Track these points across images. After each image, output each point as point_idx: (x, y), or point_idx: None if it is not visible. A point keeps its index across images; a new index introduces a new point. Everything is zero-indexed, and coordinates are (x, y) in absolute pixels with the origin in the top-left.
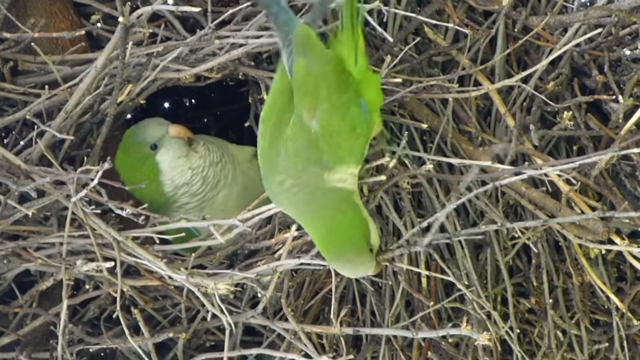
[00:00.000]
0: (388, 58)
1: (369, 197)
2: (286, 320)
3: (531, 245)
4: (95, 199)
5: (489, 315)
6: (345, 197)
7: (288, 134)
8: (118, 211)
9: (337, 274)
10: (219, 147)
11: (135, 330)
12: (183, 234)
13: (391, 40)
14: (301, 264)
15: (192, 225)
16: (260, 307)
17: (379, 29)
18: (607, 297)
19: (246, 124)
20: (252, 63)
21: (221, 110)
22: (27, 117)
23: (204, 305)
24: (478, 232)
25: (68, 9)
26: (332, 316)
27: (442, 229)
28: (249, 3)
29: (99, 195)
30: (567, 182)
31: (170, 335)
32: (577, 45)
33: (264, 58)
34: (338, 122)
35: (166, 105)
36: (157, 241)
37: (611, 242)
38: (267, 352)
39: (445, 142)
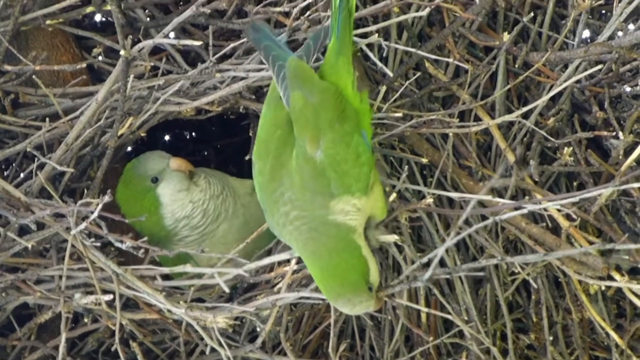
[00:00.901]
0: (383, 89)
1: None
2: (285, 354)
3: (531, 280)
4: (95, 231)
5: (488, 351)
6: (346, 235)
7: (293, 166)
8: (118, 244)
9: (336, 309)
10: (220, 180)
11: None
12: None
13: (391, 75)
14: (300, 297)
15: (197, 272)
16: (259, 341)
17: (380, 64)
18: (607, 333)
19: (247, 157)
20: (253, 96)
21: (222, 144)
22: (28, 149)
23: (202, 339)
24: (478, 267)
25: (69, 42)
26: (330, 351)
27: (442, 263)
28: None
29: (98, 228)
30: (567, 217)
31: None
32: (578, 81)
33: (265, 92)
34: (344, 150)
35: (167, 138)
36: (158, 278)
37: (611, 278)
38: None
39: (446, 176)
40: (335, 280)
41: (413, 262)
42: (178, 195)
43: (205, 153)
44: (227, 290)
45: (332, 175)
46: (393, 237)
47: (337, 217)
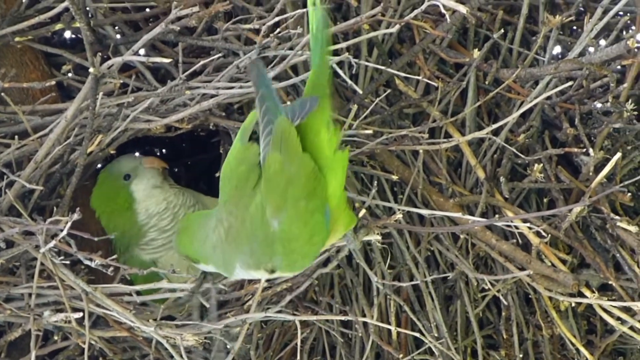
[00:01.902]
0: (354, 107)
1: (340, 247)
2: None
3: (501, 297)
4: (65, 249)
5: None
6: None
7: (251, 211)
8: (87, 262)
9: (306, 326)
10: (193, 196)
11: None
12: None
13: (362, 92)
14: (269, 316)
15: (169, 287)
16: (229, 359)
17: (350, 82)
18: (577, 349)
19: (217, 174)
20: (223, 114)
21: (192, 161)
22: None
23: (172, 357)
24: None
25: (39, 59)
26: None
27: (412, 279)
28: (220, 54)
29: (68, 246)
30: (538, 234)
31: None
32: (548, 97)
33: (235, 109)
34: (299, 229)
35: (137, 155)
36: (133, 294)
37: (581, 294)
38: None
39: (416, 193)
40: None
41: (384, 277)
42: (152, 191)
43: (176, 170)
44: (207, 305)
45: (279, 250)
46: (376, 236)
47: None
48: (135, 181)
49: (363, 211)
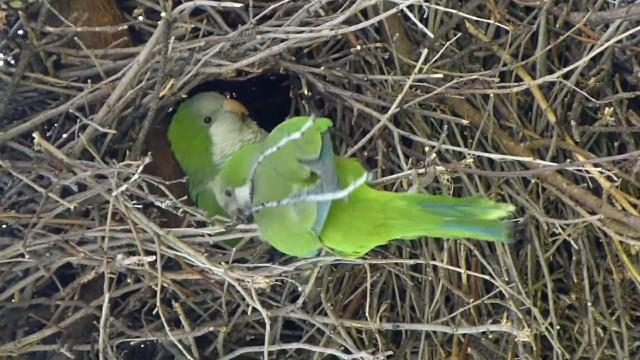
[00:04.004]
0: (425, 51)
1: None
2: (326, 314)
3: (572, 241)
4: (136, 193)
5: (529, 312)
6: None
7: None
8: (158, 204)
9: (376, 269)
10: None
11: (176, 324)
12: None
13: (432, 35)
14: (339, 260)
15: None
16: (300, 301)
17: (420, 25)
18: None
19: (287, 118)
20: (293, 58)
21: (262, 105)
22: (70, 110)
23: (244, 299)
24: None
25: (111, 3)
26: (367, 313)
27: None
28: None
29: (140, 190)
30: (608, 178)
31: (211, 328)
32: (619, 41)
33: (305, 53)
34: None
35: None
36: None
37: None
38: (307, 346)
39: (486, 137)
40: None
41: None
42: (230, 135)
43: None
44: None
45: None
46: None
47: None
48: (215, 124)
49: (433, 155)
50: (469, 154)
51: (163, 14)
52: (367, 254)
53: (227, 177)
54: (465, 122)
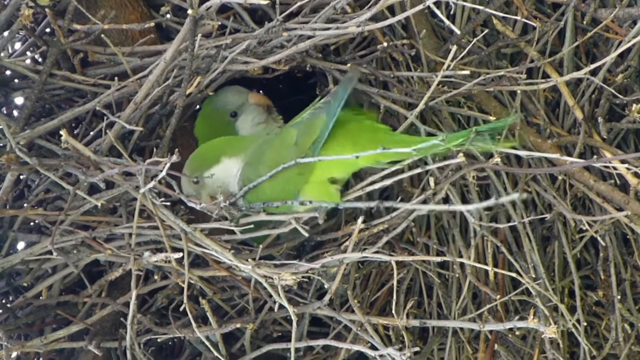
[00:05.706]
0: (452, 48)
1: (436, 189)
2: (352, 311)
3: (599, 238)
4: (164, 190)
5: (556, 308)
6: None
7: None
8: (192, 204)
9: (403, 266)
10: None
11: (203, 321)
12: (252, 225)
13: (459, 32)
14: (366, 257)
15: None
16: (326, 298)
17: (447, 22)
18: None
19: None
20: (320, 55)
21: (288, 102)
22: (97, 108)
23: (271, 296)
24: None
25: (138, 1)
26: (394, 309)
27: (509, 220)
28: None
29: (167, 187)
30: (636, 175)
31: (238, 325)
32: None
33: (332, 50)
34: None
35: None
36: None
37: None
38: (334, 343)
39: (514, 134)
40: None
41: (481, 218)
42: (256, 128)
43: None
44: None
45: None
46: None
47: None
48: (241, 118)
49: (460, 155)
50: (496, 151)
51: (190, 12)
52: (393, 251)
53: (195, 162)
54: (492, 118)
